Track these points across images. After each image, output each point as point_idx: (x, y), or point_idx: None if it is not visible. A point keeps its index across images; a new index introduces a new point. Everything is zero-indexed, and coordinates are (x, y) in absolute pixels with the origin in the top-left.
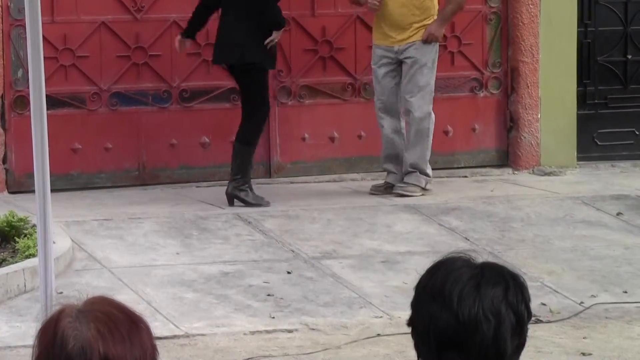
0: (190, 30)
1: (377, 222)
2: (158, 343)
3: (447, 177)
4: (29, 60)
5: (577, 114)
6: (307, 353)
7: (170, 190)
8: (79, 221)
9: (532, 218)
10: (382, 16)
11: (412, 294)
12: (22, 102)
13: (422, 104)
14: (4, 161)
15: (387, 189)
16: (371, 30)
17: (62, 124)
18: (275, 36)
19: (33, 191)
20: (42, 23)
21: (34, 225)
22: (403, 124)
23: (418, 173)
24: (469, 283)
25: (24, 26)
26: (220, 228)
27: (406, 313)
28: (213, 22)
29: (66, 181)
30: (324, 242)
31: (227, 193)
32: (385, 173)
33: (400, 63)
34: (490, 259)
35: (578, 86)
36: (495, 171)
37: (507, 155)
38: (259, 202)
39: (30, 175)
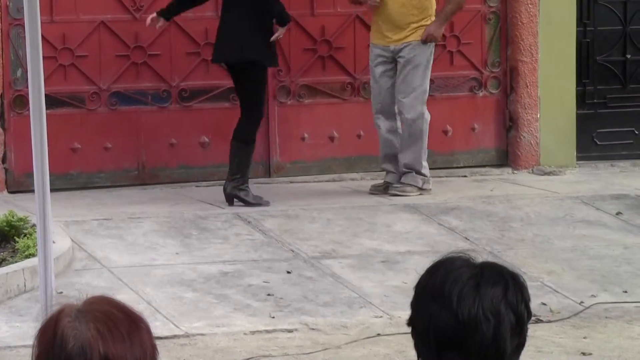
0: (167, 12)
1: (376, 222)
2: (158, 343)
3: (446, 176)
4: (28, 59)
5: (577, 114)
6: (307, 353)
7: (170, 189)
8: (78, 221)
9: (531, 218)
10: (380, 15)
11: (411, 293)
12: (22, 101)
13: (414, 105)
14: (4, 161)
15: (386, 189)
16: (370, 30)
17: (61, 124)
18: (281, 32)
19: (32, 191)
20: (41, 22)
21: (34, 225)
22: (399, 123)
23: (414, 173)
24: (469, 283)
25: (23, 25)
26: (219, 228)
27: (406, 313)
28: (213, 22)
29: (66, 181)
30: (324, 242)
31: (226, 192)
32: (384, 173)
33: (396, 61)
34: (490, 259)
35: (577, 86)
36: (495, 171)
37: (506, 155)
38: (258, 202)
39: (30, 175)
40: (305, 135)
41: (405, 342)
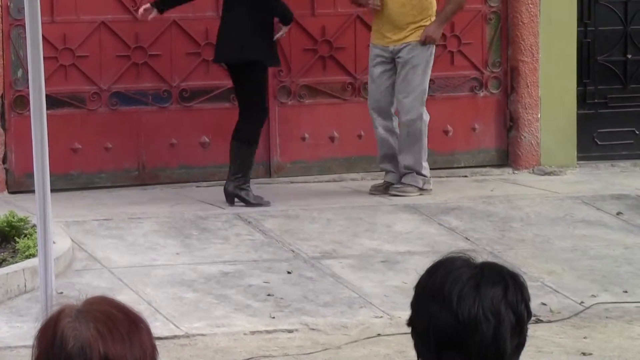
0: (162, 4)
1: (377, 222)
2: (158, 343)
3: (447, 176)
4: (28, 60)
5: (577, 114)
6: (307, 353)
7: (170, 190)
8: (79, 221)
9: (532, 218)
10: (380, 16)
11: (412, 293)
12: (22, 102)
13: (413, 106)
14: (4, 161)
15: (387, 189)
16: (371, 30)
17: (62, 124)
18: (284, 31)
19: (33, 191)
20: (42, 23)
21: (34, 225)
22: (396, 123)
23: (414, 173)
24: (469, 283)
25: (23, 26)
26: (220, 228)
27: (406, 313)
28: (213, 22)
29: (66, 181)
30: (324, 242)
31: (227, 192)
32: (384, 173)
33: (395, 62)
34: (490, 259)
35: (578, 86)
36: (495, 171)
37: (507, 155)
38: (259, 202)
39: (30, 175)
40: (306, 135)
41: (405, 342)
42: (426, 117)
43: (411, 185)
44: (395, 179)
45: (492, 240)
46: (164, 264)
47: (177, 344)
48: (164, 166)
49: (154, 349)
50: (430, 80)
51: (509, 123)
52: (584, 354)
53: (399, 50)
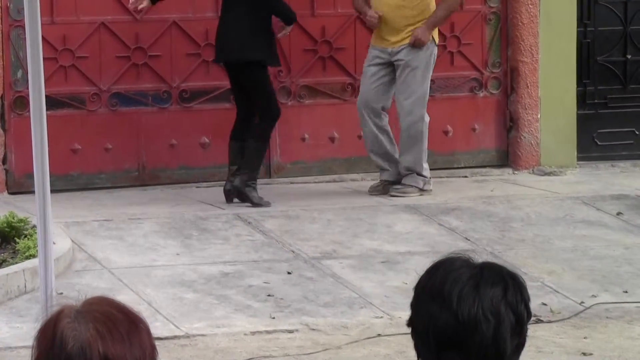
0: None
1: (377, 222)
2: (158, 343)
3: (447, 177)
4: (28, 60)
5: (577, 114)
6: (308, 353)
7: (170, 190)
8: (79, 222)
9: (532, 218)
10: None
11: (412, 294)
12: (22, 102)
13: (414, 108)
14: (4, 162)
15: (385, 187)
16: (371, 31)
17: (61, 125)
18: (287, 30)
19: (33, 192)
20: (42, 24)
21: (34, 226)
22: (386, 121)
23: (415, 174)
24: (469, 283)
25: (23, 27)
26: (220, 228)
27: (406, 313)
28: (213, 22)
29: (66, 182)
30: (324, 243)
31: (235, 188)
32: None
33: (393, 65)
34: (490, 259)
35: (578, 86)
36: (495, 171)
37: (507, 155)
38: (259, 202)
39: (30, 176)
40: (306, 135)
41: (405, 343)
42: (427, 118)
43: (411, 186)
44: (391, 176)
45: (492, 241)
46: (164, 264)
47: (177, 345)
48: (164, 167)
49: (153, 349)
50: (430, 81)
51: (509, 123)
52: (584, 354)
53: (398, 52)
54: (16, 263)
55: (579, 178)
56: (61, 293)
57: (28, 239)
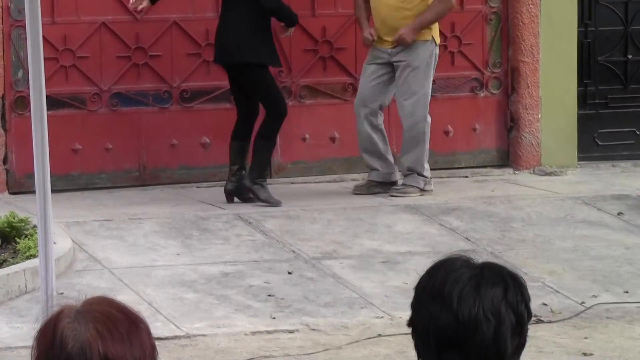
0: None
1: (377, 223)
2: (159, 343)
3: (447, 177)
4: (29, 60)
5: (578, 114)
6: (308, 353)
7: (171, 190)
8: (79, 222)
9: (532, 218)
10: (377, 19)
11: (412, 294)
12: (23, 102)
13: (415, 108)
14: (5, 162)
15: (370, 188)
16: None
17: (62, 125)
18: (291, 31)
19: (33, 192)
20: (42, 24)
21: (35, 226)
22: (382, 120)
23: (416, 175)
24: (469, 283)
25: (24, 27)
26: (220, 228)
27: (407, 313)
28: (214, 22)
29: (66, 182)
30: (325, 243)
31: (245, 187)
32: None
33: (392, 66)
34: (491, 259)
35: (578, 86)
36: (496, 171)
37: (507, 155)
38: (268, 200)
39: (31, 176)
40: (306, 135)
41: (406, 343)
42: (429, 118)
43: (412, 186)
44: (379, 176)
45: (493, 241)
46: (164, 264)
47: (177, 345)
48: (164, 167)
49: (153, 349)
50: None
51: (510, 123)
52: (584, 354)
53: (397, 53)
54: (17, 263)
55: (580, 178)
56: (62, 293)
57: (29, 238)
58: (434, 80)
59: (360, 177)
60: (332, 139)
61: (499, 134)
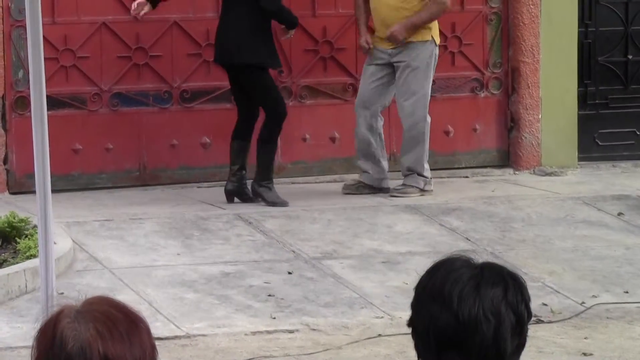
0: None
1: (377, 223)
2: (159, 343)
3: (447, 177)
4: (29, 61)
5: (578, 114)
6: (308, 353)
7: (171, 190)
8: (79, 222)
9: (533, 218)
10: (377, 19)
11: (412, 294)
12: (23, 102)
13: (415, 109)
14: (5, 162)
15: (359, 188)
16: (372, 31)
17: (62, 125)
18: (290, 34)
19: (34, 192)
20: (43, 24)
21: (35, 226)
22: (381, 124)
23: (416, 175)
24: (469, 283)
25: (24, 27)
26: (221, 228)
27: (407, 313)
28: (214, 22)
29: (67, 182)
30: (325, 243)
31: (226, 189)
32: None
33: (393, 66)
34: (491, 259)
35: (579, 86)
36: (496, 171)
37: (508, 156)
38: (274, 201)
39: (31, 176)
40: (307, 136)
41: (406, 343)
42: (429, 119)
43: (412, 186)
44: (369, 179)
45: (493, 241)
46: (164, 264)
47: (177, 345)
48: (164, 167)
49: (153, 348)
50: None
51: (510, 124)
52: (584, 354)
53: (397, 54)
54: (17, 263)
55: (580, 178)
56: (62, 293)
57: (29, 238)
58: (434, 81)
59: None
60: (332, 139)
61: (499, 134)
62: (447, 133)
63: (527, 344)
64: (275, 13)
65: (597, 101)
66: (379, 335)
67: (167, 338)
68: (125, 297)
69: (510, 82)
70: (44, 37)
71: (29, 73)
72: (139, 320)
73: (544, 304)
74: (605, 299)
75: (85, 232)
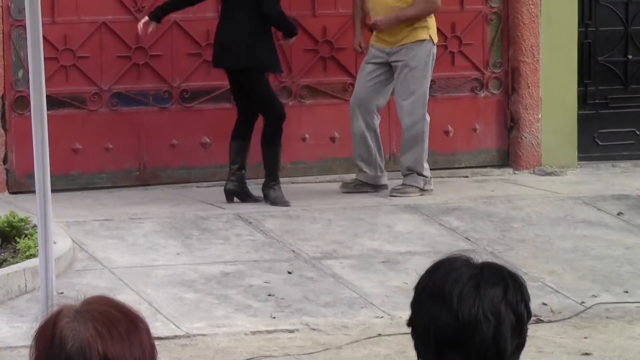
0: (161, 15)
1: (377, 222)
2: (159, 343)
3: (447, 177)
4: (29, 60)
5: (578, 114)
6: (308, 353)
7: (171, 190)
8: (79, 221)
9: (532, 218)
10: (376, 18)
11: (412, 294)
12: (23, 102)
13: (414, 108)
14: (5, 162)
15: (357, 187)
16: (371, 30)
17: (62, 124)
18: (290, 42)
19: (34, 191)
20: (43, 23)
21: (35, 226)
22: (378, 122)
23: (415, 174)
24: (469, 283)
25: (24, 27)
26: (220, 228)
27: (407, 313)
28: (214, 22)
29: (67, 181)
30: (325, 242)
31: (227, 191)
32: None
33: (390, 66)
34: (491, 259)
35: (579, 86)
36: (496, 171)
37: (507, 155)
38: (276, 201)
39: (31, 176)
40: (307, 135)
41: (406, 343)
42: (428, 118)
43: (412, 186)
44: (366, 178)
45: (493, 241)
46: (164, 264)
47: (177, 344)
48: (164, 166)
49: (153, 348)
50: (431, 81)
51: (510, 123)
52: (584, 354)
53: (395, 53)
54: (17, 263)
55: (580, 178)
56: (62, 293)
57: (29, 238)
58: (434, 81)
59: None
60: (332, 139)
61: (499, 134)
62: (447, 133)
63: (527, 344)
64: (275, 18)
65: (597, 101)
66: (379, 335)
67: (166, 338)
68: (125, 296)
69: (510, 82)
70: (43, 36)
71: (28, 73)
72: (138, 320)
73: (544, 304)
74: (605, 299)
75: (85, 231)
